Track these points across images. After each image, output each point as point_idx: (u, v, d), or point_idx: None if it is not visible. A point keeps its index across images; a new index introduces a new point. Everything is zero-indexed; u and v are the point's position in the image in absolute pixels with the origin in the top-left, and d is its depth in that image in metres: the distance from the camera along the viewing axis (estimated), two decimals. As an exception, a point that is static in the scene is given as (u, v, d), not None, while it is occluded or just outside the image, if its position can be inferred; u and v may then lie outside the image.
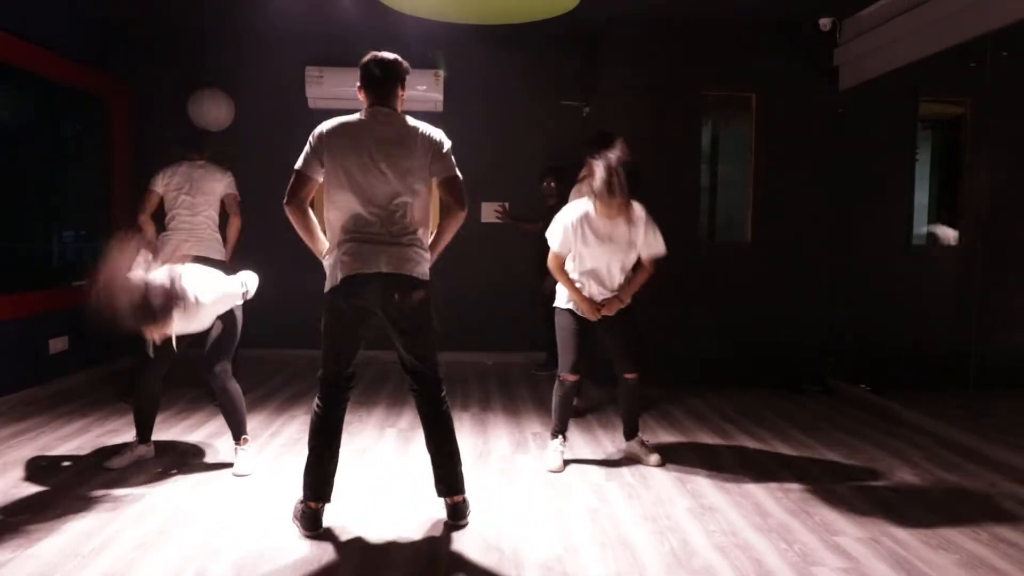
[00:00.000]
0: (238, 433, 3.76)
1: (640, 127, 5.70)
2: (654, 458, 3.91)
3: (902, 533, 3.05)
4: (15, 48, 4.86)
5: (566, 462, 3.90)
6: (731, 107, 6.33)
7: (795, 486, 3.60)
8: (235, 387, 3.74)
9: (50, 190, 5.50)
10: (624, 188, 3.50)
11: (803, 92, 5.93)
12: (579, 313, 3.81)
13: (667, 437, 4.44)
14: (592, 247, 3.71)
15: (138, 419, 3.80)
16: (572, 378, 3.86)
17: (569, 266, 3.83)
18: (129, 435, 4.24)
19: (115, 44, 6.15)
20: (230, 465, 3.75)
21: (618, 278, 3.79)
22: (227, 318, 3.66)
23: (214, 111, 6.19)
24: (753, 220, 6.00)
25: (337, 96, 6.41)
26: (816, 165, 5.96)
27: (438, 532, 3.02)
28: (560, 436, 3.93)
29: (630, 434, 4.03)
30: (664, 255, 3.80)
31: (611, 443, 4.29)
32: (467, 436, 4.41)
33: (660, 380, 5.66)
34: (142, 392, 3.75)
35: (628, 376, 3.89)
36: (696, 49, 5.84)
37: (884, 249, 5.64)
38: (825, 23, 5.72)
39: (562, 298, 3.90)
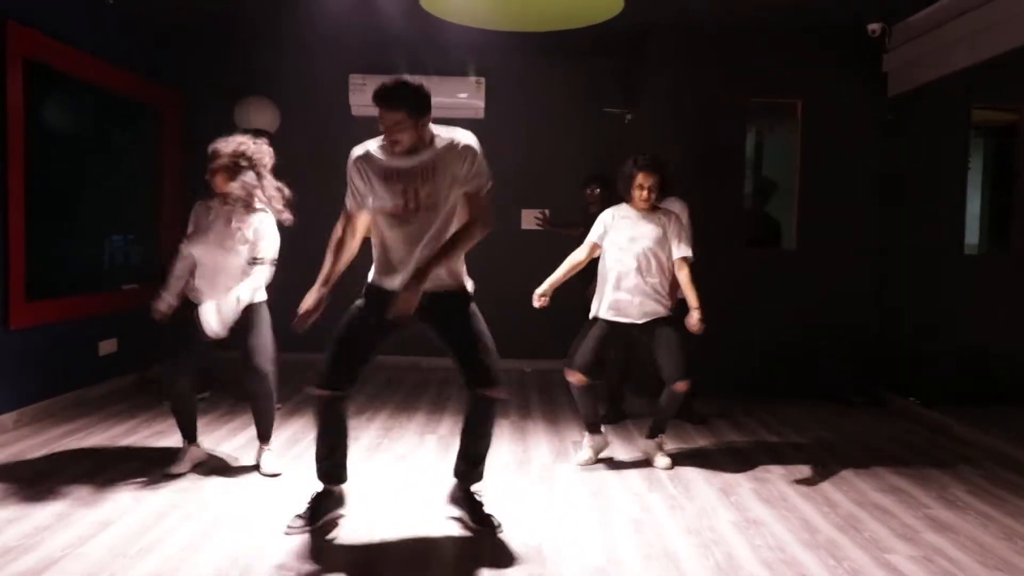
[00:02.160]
0: (265, 436, 3.80)
1: (684, 134, 5.65)
2: (664, 461, 3.98)
3: (956, 552, 2.96)
4: (70, 57, 4.98)
5: (600, 461, 3.98)
6: (774, 115, 6.25)
7: (842, 500, 3.52)
8: (268, 390, 3.71)
9: (101, 195, 5.62)
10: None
11: (850, 99, 5.82)
12: (614, 320, 3.92)
13: (709, 448, 4.38)
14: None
15: (178, 421, 3.82)
16: (575, 378, 3.95)
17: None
18: (175, 437, 4.33)
19: (163, 52, 6.28)
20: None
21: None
22: (252, 317, 3.63)
23: (259, 117, 6.28)
24: (798, 228, 5.91)
25: (380, 103, 6.46)
26: (863, 172, 5.84)
27: (479, 540, 3.01)
28: (597, 431, 4.07)
29: (652, 434, 4.07)
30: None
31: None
32: (506, 444, 4.39)
33: (703, 391, 5.60)
34: (172, 394, 3.74)
35: (678, 386, 3.86)
36: (741, 56, 5.78)
37: (935, 257, 5.49)
38: (874, 28, 5.61)
39: (597, 307, 4.03)
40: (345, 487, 3.19)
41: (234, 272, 3.59)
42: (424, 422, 4.84)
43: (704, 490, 3.64)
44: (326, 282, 3.05)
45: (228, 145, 3.57)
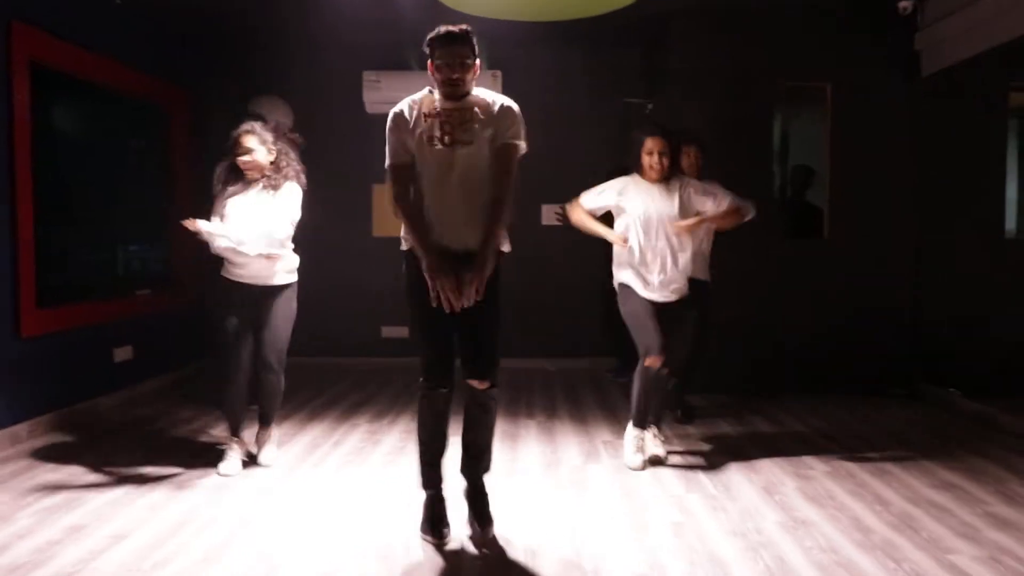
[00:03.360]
0: (267, 419, 3.89)
1: (708, 122, 5.44)
2: (663, 451, 3.89)
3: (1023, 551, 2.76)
4: (78, 59, 4.87)
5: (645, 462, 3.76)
6: (801, 100, 6.04)
7: (894, 498, 3.32)
8: (281, 382, 3.83)
9: (112, 199, 5.51)
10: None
11: (881, 80, 5.60)
12: (642, 293, 3.70)
13: (747, 445, 4.19)
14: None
15: (227, 414, 3.84)
16: (658, 361, 3.63)
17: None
18: (193, 445, 4.20)
19: (173, 53, 6.17)
20: (292, 475, 3.66)
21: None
22: (277, 300, 3.73)
23: (272, 116, 6.13)
24: (830, 216, 5.70)
25: (394, 101, 6.25)
26: (897, 157, 5.61)
27: (512, 551, 2.84)
28: (640, 428, 3.83)
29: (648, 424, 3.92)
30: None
31: (690, 453, 4.06)
32: (534, 444, 4.23)
33: (737, 386, 5.41)
34: (227, 383, 3.75)
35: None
36: (765, 39, 5.56)
37: (974, 243, 5.26)
38: (905, 6, 5.37)
39: (620, 274, 3.80)
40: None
41: (274, 244, 3.68)
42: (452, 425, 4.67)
43: (746, 489, 3.45)
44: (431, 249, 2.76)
45: (253, 134, 3.70)
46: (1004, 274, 5.20)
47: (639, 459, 3.77)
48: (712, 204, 3.75)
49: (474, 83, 2.85)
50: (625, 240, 3.72)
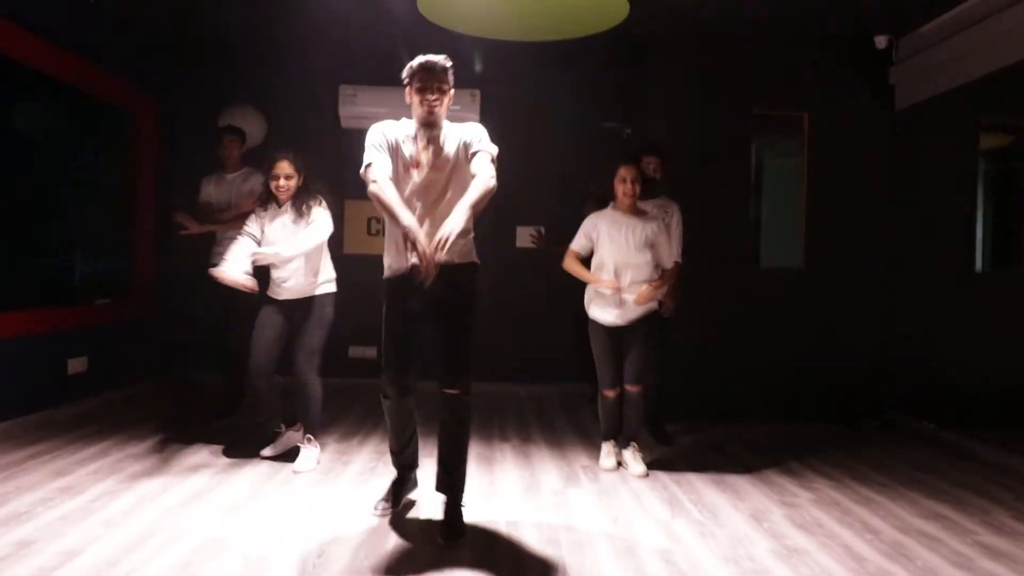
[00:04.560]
0: (307, 430, 4.02)
1: (685, 148, 5.43)
2: (641, 468, 3.99)
3: (1019, 582, 2.70)
4: (44, 53, 4.68)
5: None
6: (777, 130, 6.08)
7: (883, 526, 3.25)
8: (316, 385, 3.96)
9: (73, 204, 5.28)
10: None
11: (857, 111, 5.67)
12: (605, 324, 4.00)
13: (729, 471, 4.10)
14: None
15: (264, 406, 4.03)
16: (613, 393, 4.07)
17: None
18: (150, 460, 3.98)
19: (146, 58, 5.99)
20: (260, 494, 3.47)
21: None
22: (313, 309, 3.93)
23: (246, 127, 5.98)
24: (806, 245, 5.71)
25: (370, 115, 6.20)
26: (872, 187, 5.67)
27: (497, 572, 2.69)
28: (612, 440, 4.18)
29: (625, 442, 4.14)
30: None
31: (669, 478, 3.96)
32: (511, 468, 4.09)
33: (711, 414, 5.35)
34: (256, 395, 4.00)
35: (632, 388, 4.03)
36: (745, 67, 5.60)
37: (946, 276, 5.31)
38: (880, 41, 5.48)
39: (589, 308, 4.09)
40: (417, 472, 3.49)
41: (313, 259, 3.94)
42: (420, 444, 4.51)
43: (733, 516, 3.35)
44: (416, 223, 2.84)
45: (291, 161, 3.97)
46: (974, 308, 5.24)
47: (611, 462, 4.10)
48: (665, 250, 4.03)
49: (446, 110, 3.01)
50: (617, 285, 3.93)
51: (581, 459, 4.32)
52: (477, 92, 6.36)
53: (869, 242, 5.67)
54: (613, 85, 6.57)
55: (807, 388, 5.54)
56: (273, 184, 3.92)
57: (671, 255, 4.09)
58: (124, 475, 3.69)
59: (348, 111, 6.27)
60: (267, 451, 4.10)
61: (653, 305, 4.03)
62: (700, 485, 3.83)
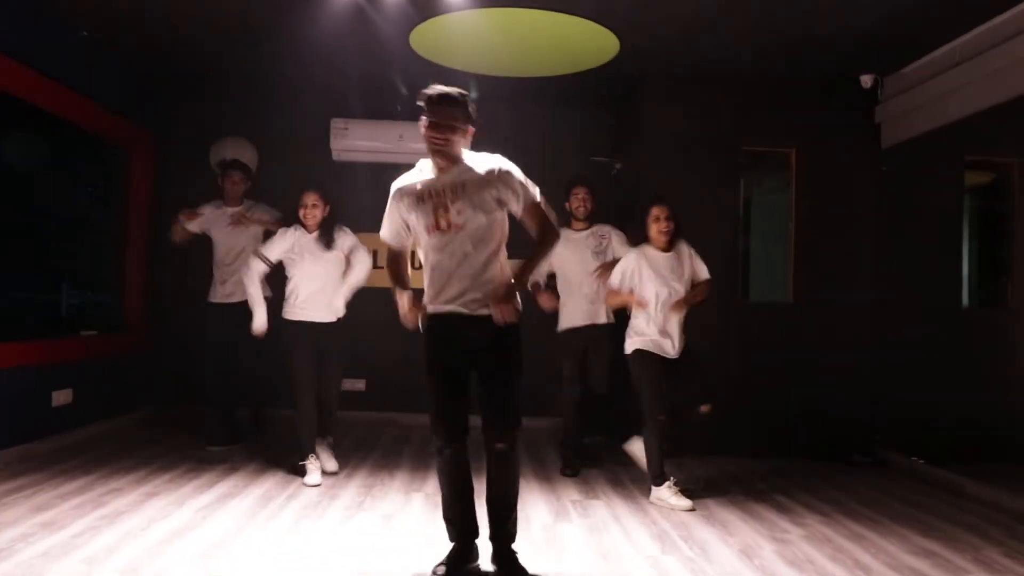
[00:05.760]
0: (326, 432, 4.56)
1: (674, 184, 5.47)
2: (687, 502, 4.03)
3: (1011, 620, 2.68)
4: (36, 85, 4.69)
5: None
6: (764, 167, 6.15)
7: (873, 564, 3.23)
8: (332, 414, 4.63)
9: (62, 236, 5.27)
10: None
11: (844, 149, 5.75)
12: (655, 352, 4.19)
13: (717, 506, 4.07)
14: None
15: (304, 439, 4.40)
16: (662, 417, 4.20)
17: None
18: (134, 495, 3.92)
19: (138, 91, 6.02)
20: (245, 531, 3.42)
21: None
22: (335, 333, 4.48)
23: (239, 157, 6.00)
24: (794, 280, 5.74)
25: (361, 148, 6.25)
26: (859, 223, 5.72)
27: (484, 609, 2.66)
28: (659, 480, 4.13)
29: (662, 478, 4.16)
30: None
31: (658, 512, 3.93)
32: (500, 503, 4.05)
33: (699, 449, 5.32)
34: (301, 414, 4.41)
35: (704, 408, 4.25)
36: (734, 104, 5.68)
37: (932, 311, 5.34)
38: (866, 80, 5.57)
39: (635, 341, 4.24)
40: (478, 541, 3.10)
41: (335, 283, 4.46)
42: (408, 479, 4.48)
43: (723, 552, 3.33)
44: (406, 287, 3.07)
45: (323, 191, 4.47)
46: (960, 342, 5.27)
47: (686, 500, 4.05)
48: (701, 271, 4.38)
49: (466, 146, 2.91)
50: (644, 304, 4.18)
51: (571, 494, 4.29)
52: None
53: (856, 277, 5.71)
54: (603, 121, 6.64)
55: (796, 423, 5.52)
56: (301, 212, 4.37)
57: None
58: (107, 510, 3.64)
59: (340, 144, 6.30)
60: (312, 479, 4.28)
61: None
62: (690, 520, 3.80)
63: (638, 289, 4.19)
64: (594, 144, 6.64)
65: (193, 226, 5.17)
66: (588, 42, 4.95)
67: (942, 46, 4.96)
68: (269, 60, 5.63)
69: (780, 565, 3.18)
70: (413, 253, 3.25)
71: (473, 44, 5.06)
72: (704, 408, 4.21)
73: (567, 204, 4.92)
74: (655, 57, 5.30)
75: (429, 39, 4.94)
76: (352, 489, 4.22)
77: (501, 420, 2.91)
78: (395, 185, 2.97)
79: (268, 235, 4.76)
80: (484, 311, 2.83)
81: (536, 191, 2.91)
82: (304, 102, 6.45)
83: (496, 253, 2.89)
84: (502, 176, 2.84)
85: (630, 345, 4.24)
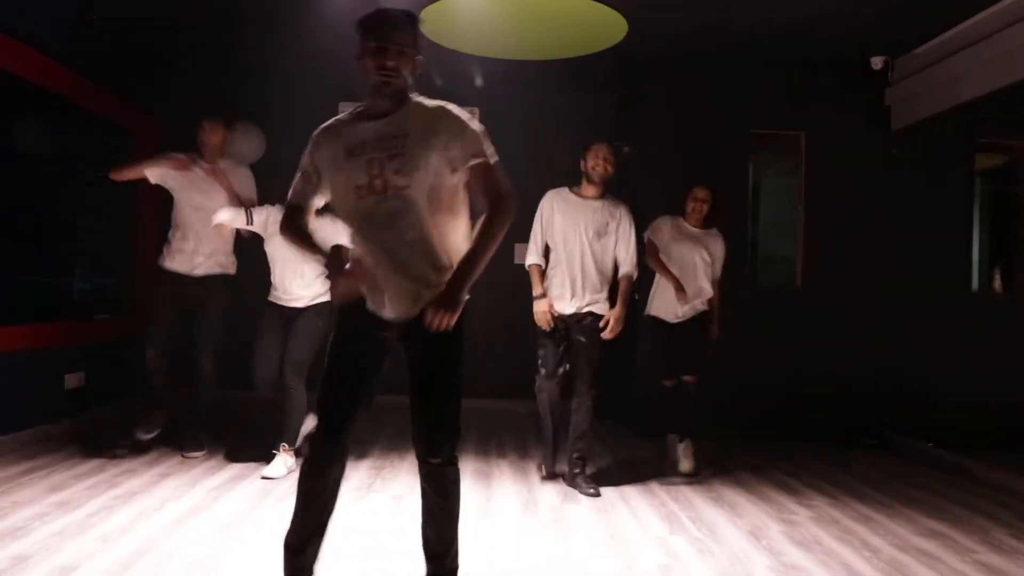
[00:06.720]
0: (282, 438, 4.10)
1: (683, 167, 5.45)
2: (687, 465, 4.36)
3: (1018, 600, 2.70)
4: (45, 69, 4.71)
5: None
6: (772, 149, 6.11)
7: (882, 544, 3.25)
8: (301, 395, 4.08)
9: (73, 219, 5.29)
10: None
11: (854, 131, 5.72)
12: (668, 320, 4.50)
13: (725, 488, 4.09)
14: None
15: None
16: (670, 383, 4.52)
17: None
18: (147, 475, 3.97)
19: (146, 76, 6.02)
20: (256, 511, 3.45)
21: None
22: (305, 317, 4.15)
23: (245, 144, 5.99)
24: (803, 263, 5.73)
25: (370, 132, 6.26)
26: (868, 206, 5.71)
27: (494, 588, 2.68)
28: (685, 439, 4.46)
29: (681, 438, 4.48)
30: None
31: (666, 494, 3.95)
32: (509, 484, 4.09)
33: (708, 432, 5.33)
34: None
35: (687, 378, 4.49)
36: (742, 87, 5.66)
37: (942, 294, 5.32)
38: (876, 62, 5.52)
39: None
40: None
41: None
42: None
43: (731, 533, 3.35)
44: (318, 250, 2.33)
45: None
46: (970, 327, 5.26)
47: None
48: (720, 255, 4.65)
49: (414, 70, 2.27)
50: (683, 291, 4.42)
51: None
52: (476, 110, 6.40)
53: (865, 260, 5.70)
54: (611, 103, 6.62)
55: (804, 406, 5.53)
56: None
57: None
58: (121, 490, 3.68)
59: (348, 128, 6.29)
60: (269, 471, 4.01)
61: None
62: (698, 502, 3.83)
63: (664, 248, 4.51)
64: (604, 127, 6.61)
65: (153, 174, 4.51)
66: (597, 24, 4.92)
67: (953, 27, 4.92)
68: (278, 45, 5.62)
69: (788, 546, 3.20)
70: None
71: (481, 27, 5.04)
72: (688, 378, 4.48)
73: (583, 163, 4.37)
74: (663, 40, 5.27)
75: (437, 22, 4.92)
76: (363, 471, 4.25)
77: (438, 431, 2.30)
78: (317, 131, 2.34)
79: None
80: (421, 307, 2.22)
81: (491, 150, 2.24)
82: (312, 86, 6.45)
83: (447, 227, 2.27)
84: (451, 120, 2.21)
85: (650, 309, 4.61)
